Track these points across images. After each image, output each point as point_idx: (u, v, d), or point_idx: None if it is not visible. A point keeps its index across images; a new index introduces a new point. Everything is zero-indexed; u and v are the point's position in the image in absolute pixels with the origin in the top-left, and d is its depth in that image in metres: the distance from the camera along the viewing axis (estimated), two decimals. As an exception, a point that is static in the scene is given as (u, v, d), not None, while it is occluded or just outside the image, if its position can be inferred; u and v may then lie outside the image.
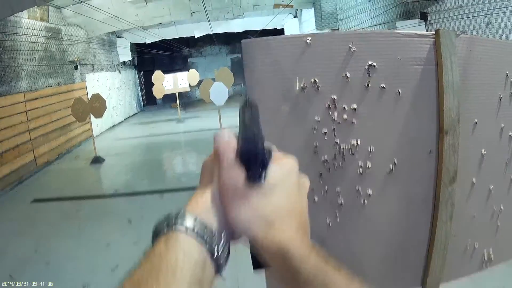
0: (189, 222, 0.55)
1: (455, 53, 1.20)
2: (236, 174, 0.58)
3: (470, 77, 1.25)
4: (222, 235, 0.57)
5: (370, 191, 1.23)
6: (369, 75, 1.17)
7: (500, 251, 1.43)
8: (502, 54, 1.32)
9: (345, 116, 1.18)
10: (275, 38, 1.13)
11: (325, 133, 1.18)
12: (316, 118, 1.17)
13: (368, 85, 1.18)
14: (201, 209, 0.58)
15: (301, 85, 1.15)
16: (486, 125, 1.31)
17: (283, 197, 0.60)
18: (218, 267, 0.56)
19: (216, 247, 0.56)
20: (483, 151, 1.32)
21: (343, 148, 1.19)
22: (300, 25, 16.94)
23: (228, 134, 0.62)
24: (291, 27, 17.81)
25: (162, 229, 0.55)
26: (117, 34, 16.29)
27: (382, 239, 1.28)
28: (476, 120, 1.29)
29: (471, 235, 1.37)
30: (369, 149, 1.21)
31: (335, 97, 1.17)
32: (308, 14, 15.08)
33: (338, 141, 1.19)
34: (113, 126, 14.76)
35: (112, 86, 15.43)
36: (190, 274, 0.51)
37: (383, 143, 1.22)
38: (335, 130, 1.18)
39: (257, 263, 0.62)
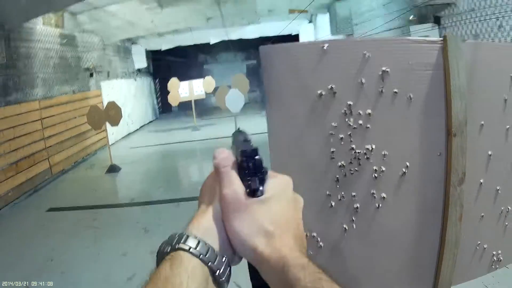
0: (192, 243, 0.57)
1: (462, 58, 1.22)
2: (237, 188, 0.62)
3: (476, 80, 1.28)
4: (224, 255, 0.60)
5: (384, 195, 1.25)
6: (383, 81, 1.20)
7: (509, 252, 1.46)
8: (507, 58, 1.34)
9: (360, 122, 1.20)
10: (293, 44, 1.15)
11: (341, 138, 1.20)
12: (333, 124, 1.20)
13: (382, 91, 1.20)
14: (203, 229, 0.60)
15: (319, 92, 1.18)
16: (492, 127, 1.34)
17: (281, 208, 0.63)
18: (220, 287, 0.59)
19: (218, 267, 0.58)
20: (490, 152, 1.35)
21: (358, 153, 1.22)
22: (315, 30, 16.86)
23: (226, 151, 0.66)
24: (306, 32, 17.74)
25: (166, 250, 0.57)
26: (132, 41, 16.33)
27: (395, 242, 1.30)
28: (483, 122, 1.32)
29: (480, 236, 1.39)
30: (383, 153, 1.23)
31: (351, 103, 1.19)
32: (323, 20, 15.00)
33: (354, 146, 1.21)
34: (129, 134, 14.72)
35: (128, 93, 15.42)
36: None
37: (396, 147, 1.24)
38: (351, 136, 1.21)
39: (257, 286, 0.64)
